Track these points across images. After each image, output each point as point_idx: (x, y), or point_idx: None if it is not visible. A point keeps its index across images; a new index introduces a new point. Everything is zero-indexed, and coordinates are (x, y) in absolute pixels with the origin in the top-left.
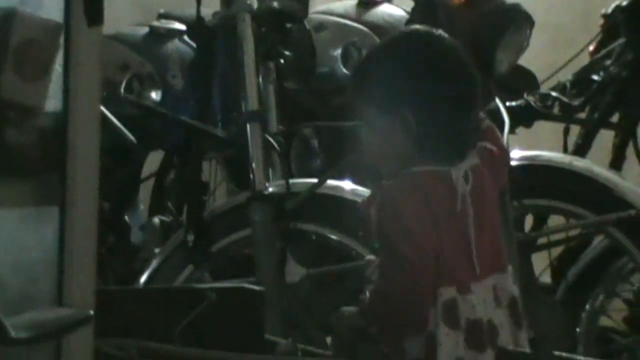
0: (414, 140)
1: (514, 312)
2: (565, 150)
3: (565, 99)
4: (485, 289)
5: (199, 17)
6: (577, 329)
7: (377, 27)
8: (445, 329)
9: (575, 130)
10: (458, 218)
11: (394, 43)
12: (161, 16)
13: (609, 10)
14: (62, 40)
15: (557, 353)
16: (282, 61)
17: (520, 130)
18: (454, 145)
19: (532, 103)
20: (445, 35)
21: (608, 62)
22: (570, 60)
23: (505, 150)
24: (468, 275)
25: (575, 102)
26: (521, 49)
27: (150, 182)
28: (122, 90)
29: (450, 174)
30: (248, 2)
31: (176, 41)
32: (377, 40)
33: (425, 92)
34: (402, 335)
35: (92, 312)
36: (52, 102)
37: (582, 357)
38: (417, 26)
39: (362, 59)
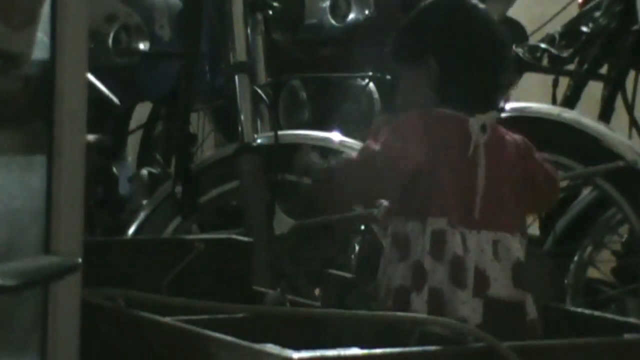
0: (436, 88)
1: (518, 275)
2: (554, 102)
3: (554, 51)
4: (484, 240)
5: None
6: (565, 281)
7: None
8: (431, 258)
9: (564, 82)
10: (468, 162)
11: (426, 5)
12: None
13: None
14: None
15: (546, 304)
16: (270, 12)
17: None
18: (475, 98)
19: (521, 55)
20: (480, 4)
21: (597, 13)
22: (559, 12)
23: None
24: (463, 217)
25: (564, 54)
26: (510, 0)
27: (138, 134)
28: (109, 41)
29: (468, 121)
30: None
31: None
32: None
33: (449, 45)
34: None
35: (80, 259)
36: (39, 51)
37: (570, 308)
38: None
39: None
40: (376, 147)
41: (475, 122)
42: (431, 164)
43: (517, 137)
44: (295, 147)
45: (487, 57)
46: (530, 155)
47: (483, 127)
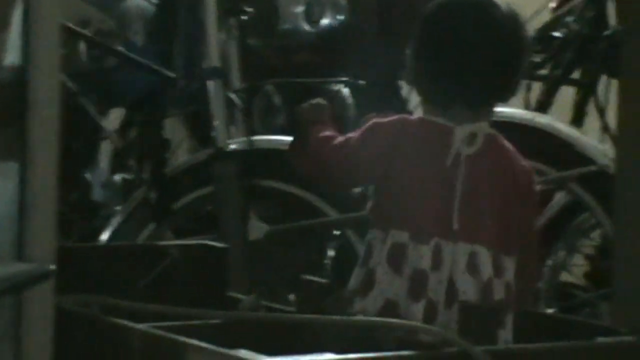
0: (427, 93)
1: (488, 290)
2: (527, 107)
3: None
4: (460, 252)
5: None
6: (539, 285)
7: None
8: (388, 269)
9: (537, 86)
10: (445, 173)
11: (433, 4)
12: None
13: None
14: None
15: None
16: (244, 18)
17: None
18: (464, 106)
19: None
20: (495, 3)
21: (569, 19)
22: (532, 17)
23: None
24: (436, 228)
25: (537, 59)
26: None
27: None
28: (82, 47)
29: (452, 131)
30: None
31: None
32: None
33: (439, 48)
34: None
35: (53, 266)
36: (12, 56)
37: (544, 312)
38: None
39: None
40: (346, 146)
41: (460, 132)
42: (397, 174)
43: (527, 167)
44: (270, 153)
45: (482, 63)
46: (526, 201)
47: (471, 137)
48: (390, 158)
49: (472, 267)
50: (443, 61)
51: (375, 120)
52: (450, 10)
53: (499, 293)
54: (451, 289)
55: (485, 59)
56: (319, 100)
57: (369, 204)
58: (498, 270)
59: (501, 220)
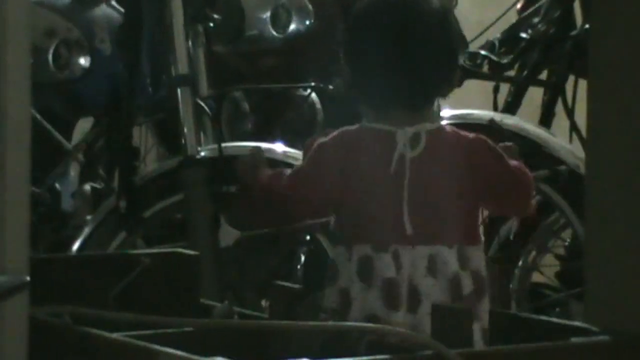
0: (362, 99)
1: (455, 288)
2: (495, 108)
3: (494, 58)
4: (417, 255)
5: None
6: (510, 286)
7: None
8: (360, 284)
9: (504, 88)
10: (391, 178)
11: (356, 6)
12: None
13: None
14: None
15: (491, 309)
16: (210, 24)
17: None
18: (404, 107)
19: (462, 62)
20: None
21: (536, 19)
22: (498, 19)
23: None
24: (392, 235)
25: (504, 60)
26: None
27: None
28: (49, 56)
29: (395, 135)
30: None
31: (103, 6)
32: (306, 2)
33: (368, 51)
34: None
35: (27, 277)
36: None
37: (516, 313)
38: None
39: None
40: (297, 172)
41: (402, 134)
42: (350, 191)
43: (477, 143)
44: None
45: (413, 58)
46: (487, 162)
47: (414, 138)
48: (342, 174)
49: (433, 268)
50: (373, 64)
51: (318, 141)
52: (374, 11)
53: (467, 286)
54: (413, 294)
55: (416, 56)
56: (252, 149)
57: (332, 222)
58: (463, 262)
59: (461, 211)
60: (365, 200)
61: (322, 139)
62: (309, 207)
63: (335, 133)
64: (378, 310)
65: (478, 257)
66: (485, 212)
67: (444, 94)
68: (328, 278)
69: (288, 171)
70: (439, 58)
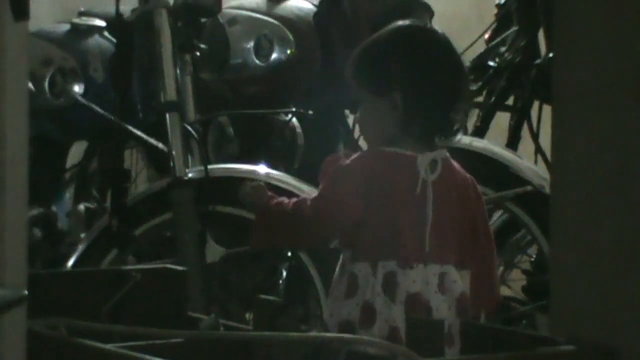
0: (399, 124)
1: (462, 307)
2: (465, 132)
3: None
4: (430, 273)
5: (119, 14)
6: None
7: (287, 21)
8: (386, 299)
9: (474, 113)
10: (417, 199)
11: (392, 34)
12: (82, 14)
13: (503, 0)
14: None
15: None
16: (197, 54)
17: None
18: (434, 133)
19: None
20: (438, 30)
21: (503, 49)
22: (467, 48)
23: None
24: (415, 252)
25: (473, 87)
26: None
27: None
28: (46, 84)
29: (416, 160)
30: None
31: (97, 37)
32: (288, 33)
33: (416, 83)
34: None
35: (26, 292)
36: None
37: (486, 324)
38: (411, 21)
39: (361, 48)
40: (320, 198)
41: (423, 160)
42: (374, 211)
43: (472, 180)
44: (225, 180)
45: (450, 91)
46: (478, 202)
47: (433, 164)
48: (365, 197)
49: (443, 286)
50: (423, 103)
51: (337, 165)
52: (425, 56)
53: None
54: (424, 307)
55: (445, 88)
56: (252, 184)
57: (344, 240)
58: (465, 283)
59: (461, 236)
60: (392, 220)
61: (341, 163)
62: (333, 229)
63: (354, 157)
64: (401, 323)
65: (468, 281)
66: None
67: (459, 125)
68: (345, 293)
69: (310, 196)
70: (456, 90)
